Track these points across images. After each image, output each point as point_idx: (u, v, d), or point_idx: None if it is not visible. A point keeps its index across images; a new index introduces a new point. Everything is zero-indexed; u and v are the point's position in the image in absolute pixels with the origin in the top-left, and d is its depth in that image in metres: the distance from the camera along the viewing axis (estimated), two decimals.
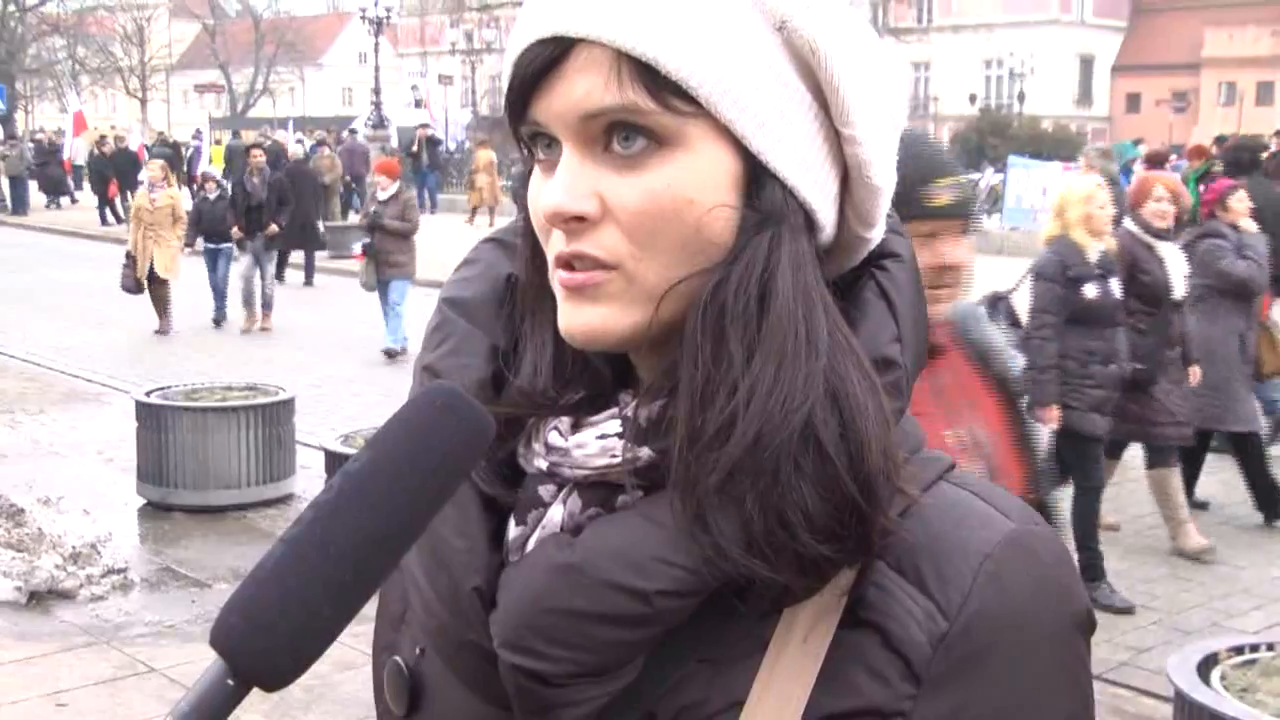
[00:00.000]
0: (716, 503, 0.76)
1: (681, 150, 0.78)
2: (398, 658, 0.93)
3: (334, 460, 6.21)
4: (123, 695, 4.81)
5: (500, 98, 0.85)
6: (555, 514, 0.83)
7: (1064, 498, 5.43)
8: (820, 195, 0.82)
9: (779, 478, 0.76)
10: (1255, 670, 3.46)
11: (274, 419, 7.26)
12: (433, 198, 28.92)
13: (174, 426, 7.07)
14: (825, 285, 0.81)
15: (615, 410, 0.84)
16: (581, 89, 0.78)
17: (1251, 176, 9.02)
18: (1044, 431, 2.43)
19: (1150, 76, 59.26)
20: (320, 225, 18.64)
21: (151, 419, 7.16)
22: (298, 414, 7.53)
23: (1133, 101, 60.17)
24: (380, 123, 32.48)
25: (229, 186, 14.47)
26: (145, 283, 13.13)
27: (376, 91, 33.97)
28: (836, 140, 0.82)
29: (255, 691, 0.70)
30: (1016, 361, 2.25)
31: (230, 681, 0.68)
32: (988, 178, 23.14)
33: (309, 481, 7.35)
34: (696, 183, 0.79)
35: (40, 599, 5.72)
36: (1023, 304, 5.72)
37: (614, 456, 0.82)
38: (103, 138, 30.54)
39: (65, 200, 31.34)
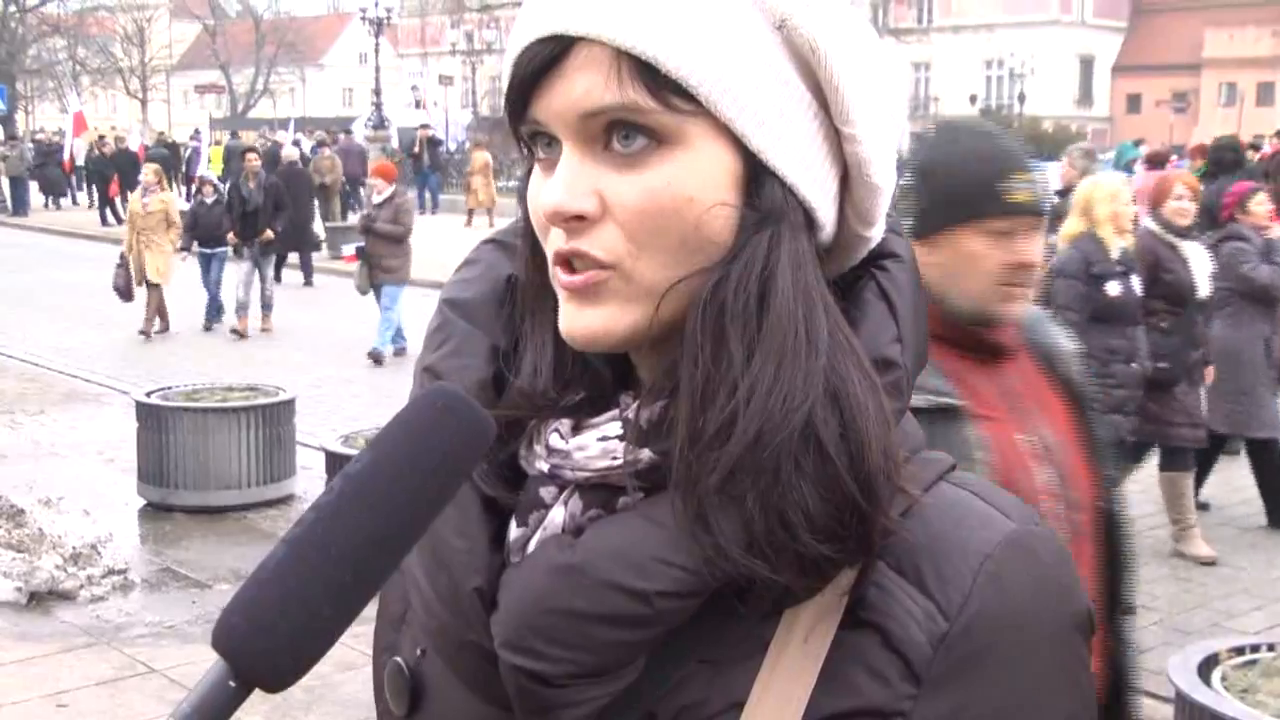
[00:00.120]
0: (717, 502, 0.76)
1: (681, 149, 0.78)
2: (398, 658, 0.93)
3: (334, 461, 6.21)
4: (123, 696, 4.81)
5: (500, 98, 0.85)
6: (556, 515, 0.83)
7: None
8: (820, 194, 0.82)
9: (780, 477, 0.76)
10: (1256, 671, 3.46)
11: (274, 419, 7.26)
12: (434, 198, 28.87)
13: (174, 427, 7.07)
14: (825, 284, 0.81)
15: (616, 412, 0.84)
16: (581, 87, 0.78)
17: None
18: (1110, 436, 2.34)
19: (1151, 77, 59.24)
20: (317, 226, 18.59)
21: (152, 419, 7.17)
22: (298, 414, 7.53)
23: (1133, 102, 60.15)
24: (381, 123, 32.52)
25: (225, 191, 14.45)
26: (140, 286, 13.12)
27: (377, 92, 34.03)
28: (836, 139, 0.82)
29: (256, 692, 0.70)
30: (1082, 366, 2.15)
31: (232, 683, 0.68)
32: None
33: (309, 482, 7.35)
34: (696, 181, 0.79)
35: (41, 599, 5.72)
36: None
37: (615, 458, 0.82)
38: (102, 138, 30.58)
39: (65, 200, 31.36)
